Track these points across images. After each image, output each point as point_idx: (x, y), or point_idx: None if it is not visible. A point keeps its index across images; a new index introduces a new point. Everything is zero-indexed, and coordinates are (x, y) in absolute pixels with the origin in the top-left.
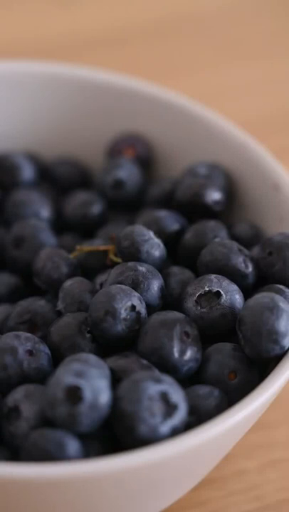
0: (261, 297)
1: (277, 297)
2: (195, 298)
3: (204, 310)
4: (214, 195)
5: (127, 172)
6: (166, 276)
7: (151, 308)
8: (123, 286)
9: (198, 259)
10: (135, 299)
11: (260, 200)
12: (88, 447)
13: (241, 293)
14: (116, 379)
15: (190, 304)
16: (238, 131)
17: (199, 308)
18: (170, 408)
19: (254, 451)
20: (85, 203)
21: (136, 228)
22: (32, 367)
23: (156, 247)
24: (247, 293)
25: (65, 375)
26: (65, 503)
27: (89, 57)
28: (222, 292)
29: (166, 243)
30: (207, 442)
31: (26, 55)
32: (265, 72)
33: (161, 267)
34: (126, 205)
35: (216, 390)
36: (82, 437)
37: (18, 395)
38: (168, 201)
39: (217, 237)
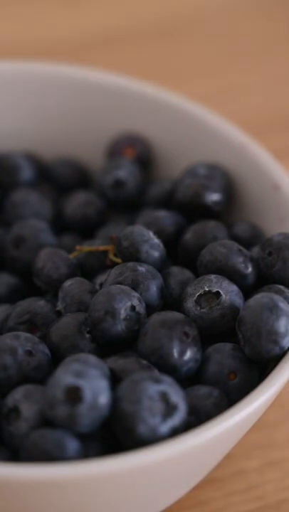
0: (261, 297)
1: (277, 297)
2: (195, 298)
3: (204, 310)
4: (214, 196)
5: (127, 172)
6: (166, 277)
7: (150, 309)
8: (123, 287)
9: (197, 260)
10: (135, 300)
11: (260, 200)
12: (88, 447)
13: (241, 293)
14: (116, 379)
15: (190, 304)
16: (238, 131)
17: (199, 308)
18: (170, 408)
19: (254, 451)
20: (85, 203)
21: (136, 228)
22: (31, 367)
23: (156, 247)
24: (247, 293)
25: (65, 376)
26: (65, 503)
27: (89, 57)
28: (222, 292)
29: (166, 243)
30: (207, 442)
31: (26, 55)
32: (265, 72)
33: (161, 267)
34: (126, 205)
35: (215, 390)
36: (82, 437)
37: (17, 395)
38: (168, 201)
39: (217, 237)
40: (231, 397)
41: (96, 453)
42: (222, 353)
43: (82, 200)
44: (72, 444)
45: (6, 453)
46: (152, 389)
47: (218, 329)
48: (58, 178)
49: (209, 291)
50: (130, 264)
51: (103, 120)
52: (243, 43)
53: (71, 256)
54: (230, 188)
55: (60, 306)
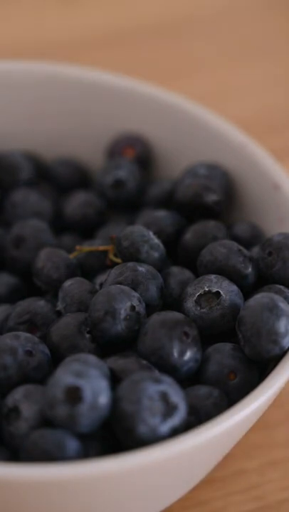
0: (261, 297)
1: (277, 297)
2: (195, 298)
3: (204, 310)
4: (214, 196)
5: (127, 172)
6: (165, 277)
7: (150, 309)
8: (123, 287)
9: (197, 260)
10: (135, 300)
11: (260, 200)
12: (88, 447)
13: (241, 293)
14: (116, 379)
15: (190, 304)
16: (238, 131)
17: (199, 308)
18: (170, 408)
19: (254, 451)
20: (85, 203)
21: (136, 228)
22: (31, 367)
23: (156, 248)
24: (247, 293)
25: (65, 376)
26: (65, 503)
27: (89, 57)
28: (222, 292)
29: (166, 243)
30: (207, 442)
31: (26, 55)
32: (265, 72)
33: (161, 267)
34: (126, 205)
35: (215, 390)
36: (82, 437)
37: (17, 395)
38: (168, 201)
39: (217, 237)
40: (231, 397)
41: (96, 453)
42: (222, 353)
43: (82, 200)
44: (72, 444)
45: (6, 453)
46: (152, 389)
47: (218, 329)
48: (58, 178)
49: (209, 291)
50: (130, 264)
51: (103, 120)
52: (243, 43)
53: (71, 256)
54: (230, 188)
55: (60, 306)
